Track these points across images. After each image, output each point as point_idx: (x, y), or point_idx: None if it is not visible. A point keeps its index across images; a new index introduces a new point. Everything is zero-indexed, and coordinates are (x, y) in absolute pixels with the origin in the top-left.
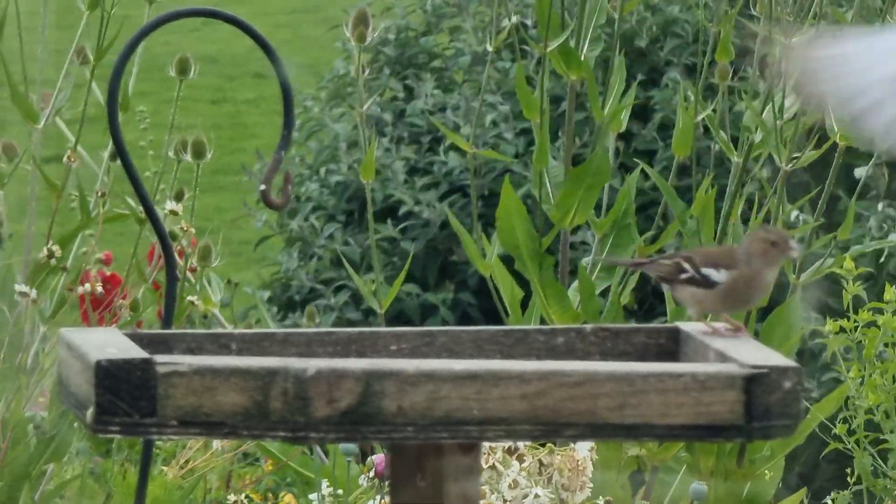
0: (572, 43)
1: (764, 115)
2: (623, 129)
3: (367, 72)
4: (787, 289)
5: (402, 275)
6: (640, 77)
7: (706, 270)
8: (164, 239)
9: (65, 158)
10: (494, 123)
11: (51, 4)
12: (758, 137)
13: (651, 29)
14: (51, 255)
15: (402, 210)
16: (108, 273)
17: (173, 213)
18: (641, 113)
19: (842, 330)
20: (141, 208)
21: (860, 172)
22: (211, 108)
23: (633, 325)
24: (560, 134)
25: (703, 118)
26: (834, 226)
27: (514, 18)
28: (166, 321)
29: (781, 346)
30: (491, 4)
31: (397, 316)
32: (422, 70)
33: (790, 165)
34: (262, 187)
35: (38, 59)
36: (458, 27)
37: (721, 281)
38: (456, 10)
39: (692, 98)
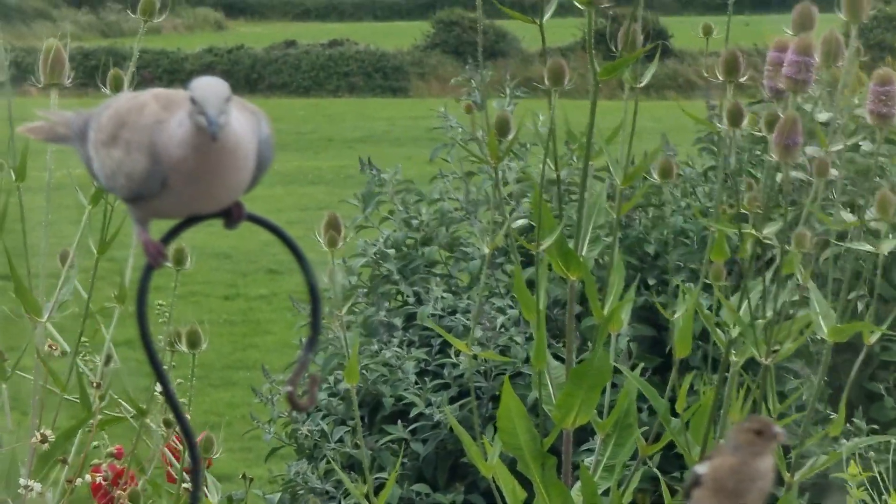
0: (571, 244)
1: (741, 310)
2: (623, 327)
3: (347, 280)
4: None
5: (392, 478)
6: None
7: (696, 468)
8: (190, 438)
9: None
10: (504, 327)
11: (66, 200)
12: (734, 333)
13: (657, 237)
14: (44, 440)
15: (413, 412)
16: (120, 467)
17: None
18: (651, 316)
19: None
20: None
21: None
22: (224, 304)
23: None
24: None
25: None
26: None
27: (523, 221)
28: None
29: None
30: (497, 208)
31: None
32: (428, 275)
33: (770, 359)
34: (289, 388)
35: (41, 254)
36: (466, 231)
37: (703, 473)
38: (464, 213)
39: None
